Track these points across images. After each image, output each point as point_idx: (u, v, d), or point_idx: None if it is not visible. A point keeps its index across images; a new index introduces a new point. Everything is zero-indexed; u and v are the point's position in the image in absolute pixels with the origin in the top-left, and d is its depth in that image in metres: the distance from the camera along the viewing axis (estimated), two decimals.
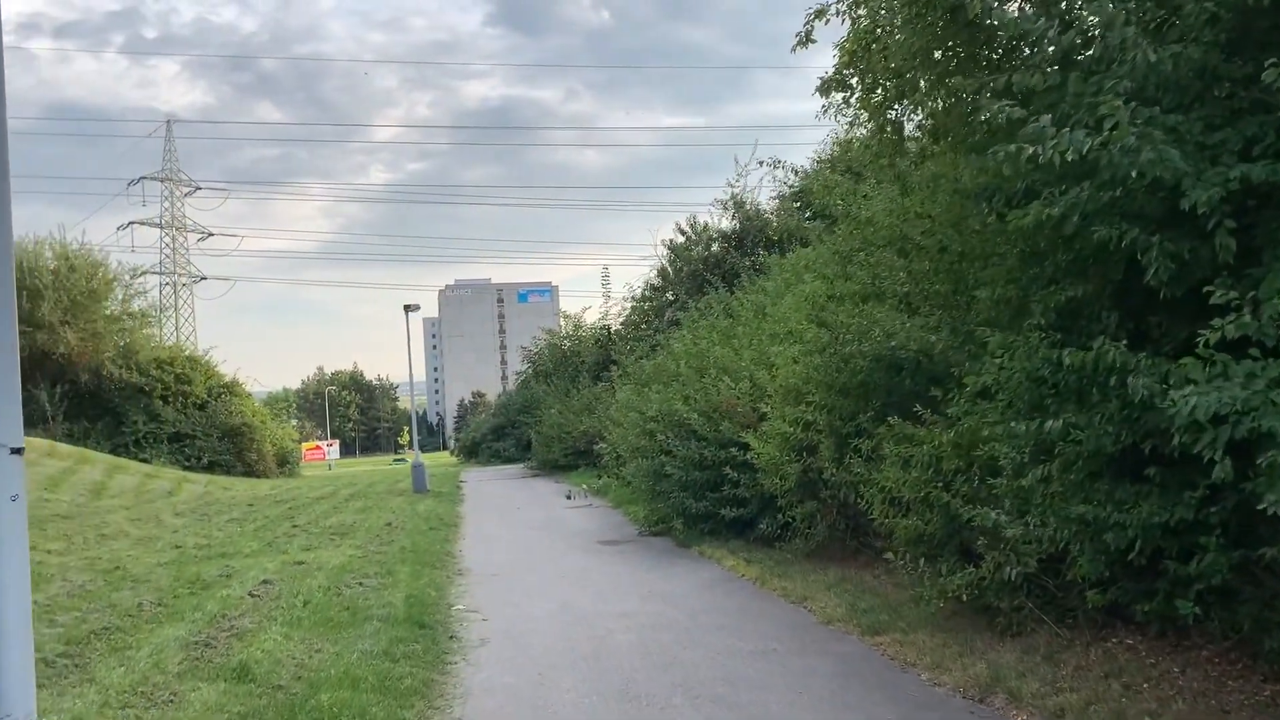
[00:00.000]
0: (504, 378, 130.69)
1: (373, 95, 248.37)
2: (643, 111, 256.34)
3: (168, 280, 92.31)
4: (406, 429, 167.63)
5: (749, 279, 20.72)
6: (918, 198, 8.06)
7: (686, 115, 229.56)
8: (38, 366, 36.63)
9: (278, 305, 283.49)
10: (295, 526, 17.67)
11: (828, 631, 8.15)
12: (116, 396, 38.15)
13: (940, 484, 7.49)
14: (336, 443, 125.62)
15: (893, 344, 8.34)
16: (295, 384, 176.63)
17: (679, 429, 13.46)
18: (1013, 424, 5.67)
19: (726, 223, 29.88)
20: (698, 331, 16.20)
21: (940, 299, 7.49)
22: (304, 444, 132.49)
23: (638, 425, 15.31)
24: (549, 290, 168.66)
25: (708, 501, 12.95)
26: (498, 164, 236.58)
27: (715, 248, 29.95)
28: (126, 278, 41.17)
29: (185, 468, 37.00)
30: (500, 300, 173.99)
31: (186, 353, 41.93)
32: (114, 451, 36.23)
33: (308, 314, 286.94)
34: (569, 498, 20.41)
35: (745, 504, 12.37)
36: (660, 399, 14.15)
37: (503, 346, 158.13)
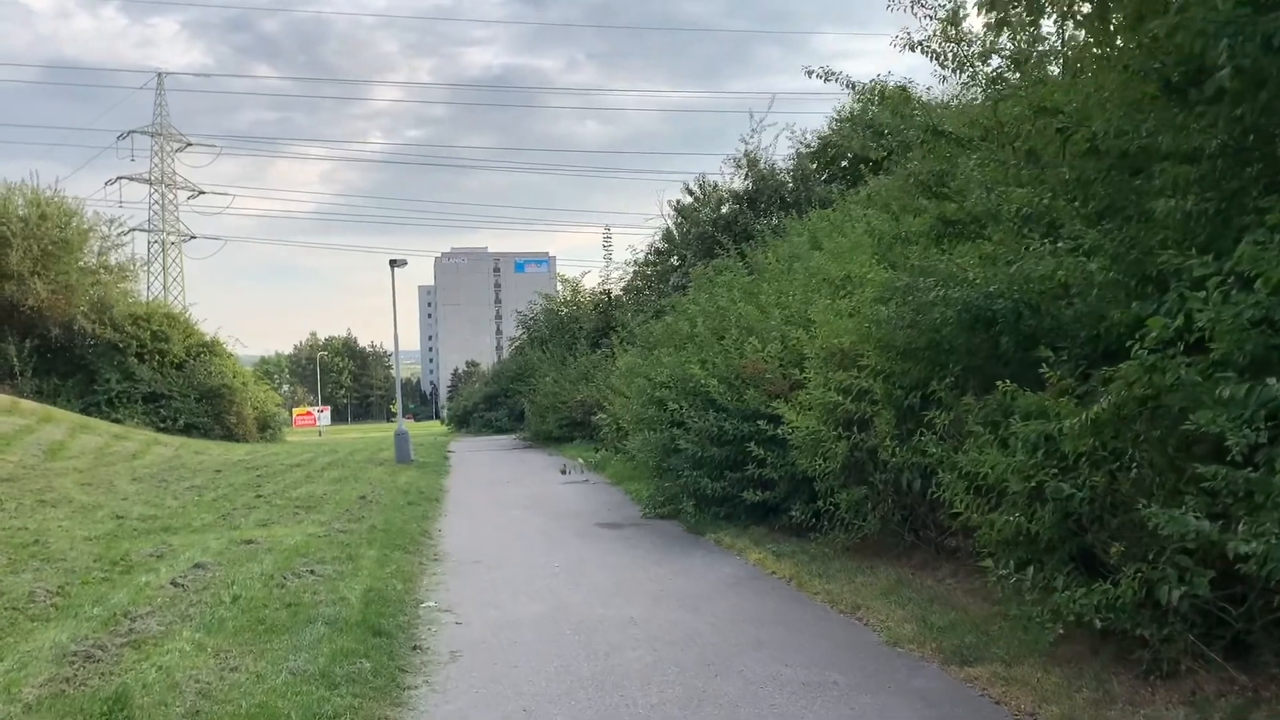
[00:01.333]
0: (499, 348, 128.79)
1: (373, 60, 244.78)
2: (644, 83, 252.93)
3: (156, 238, 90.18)
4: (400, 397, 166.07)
5: (766, 240, 18.82)
6: (1061, 89, 6.17)
7: (688, 88, 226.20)
8: (6, 319, 34.72)
9: (273, 269, 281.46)
10: (259, 497, 15.86)
11: (898, 656, 6.33)
12: (89, 353, 36.23)
13: (1056, 469, 5.67)
14: (328, 409, 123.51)
15: (991, 289, 6.46)
16: (288, 349, 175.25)
17: (694, 398, 11.63)
18: (1229, 387, 3.83)
19: (739, 182, 27.96)
20: (714, 289, 14.32)
21: (1087, 219, 5.61)
22: (295, 409, 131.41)
23: (644, 393, 13.48)
24: (547, 260, 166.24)
25: (726, 482, 11.14)
26: (498, 132, 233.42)
27: (726, 209, 28.02)
28: (104, 229, 39.21)
29: (160, 429, 35.13)
30: (497, 270, 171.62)
31: (165, 309, 39.84)
32: (85, 410, 34.36)
33: (303, 279, 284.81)
34: (564, 472, 18.60)
35: (772, 486, 10.56)
36: (673, 363, 12.30)
37: (498, 316, 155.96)
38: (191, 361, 38.12)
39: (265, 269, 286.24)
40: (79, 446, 23.94)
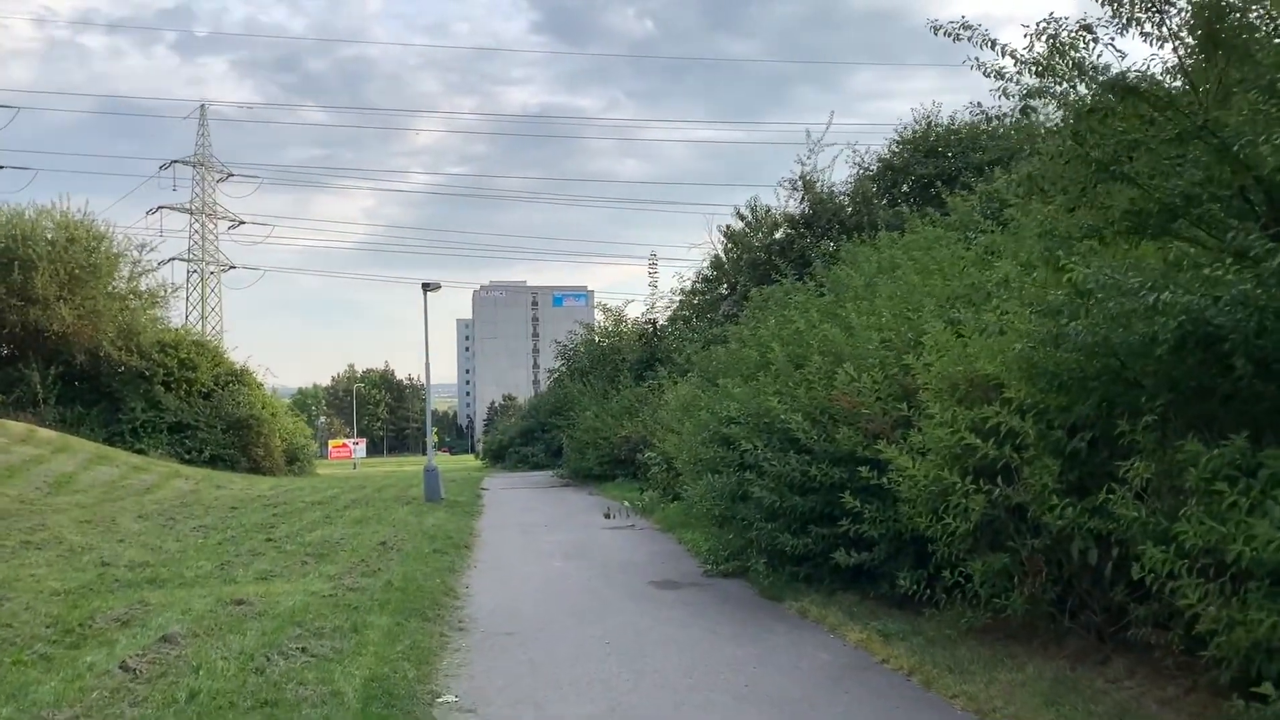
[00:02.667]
0: (535, 382, 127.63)
1: (415, 98, 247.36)
2: (682, 122, 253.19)
3: (195, 267, 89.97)
4: (436, 430, 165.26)
5: (839, 257, 16.96)
6: None
7: (726, 126, 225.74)
8: (30, 344, 33.66)
9: (314, 302, 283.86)
10: (269, 541, 14.17)
11: None
12: (115, 380, 35.00)
13: None
14: (364, 441, 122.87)
15: (1233, 292, 4.61)
16: (326, 381, 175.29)
17: (770, 436, 9.78)
18: None
19: (794, 205, 26.19)
20: (784, 311, 12.48)
21: None
22: (331, 442, 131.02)
23: (706, 430, 11.65)
24: (585, 295, 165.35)
25: (810, 538, 9.24)
26: (537, 168, 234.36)
27: (781, 233, 26.26)
28: (135, 253, 38.13)
29: (184, 461, 33.77)
30: (535, 303, 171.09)
31: (193, 337, 38.62)
32: (108, 440, 33.08)
33: (343, 312, 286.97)
34: (608, 516, 16.77)
35: (869, 546, 8.66)
36: (743, 395, 10.45)
37: (536, 350, 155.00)
38: (219, 391, 36.83)
39: (306, 302, 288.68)
40: (90, 479, 22.49)
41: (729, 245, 28.53)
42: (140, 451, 32.71)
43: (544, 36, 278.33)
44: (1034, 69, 6.34)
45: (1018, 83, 6.60)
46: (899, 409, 8.32)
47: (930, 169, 25.91)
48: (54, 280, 32.76)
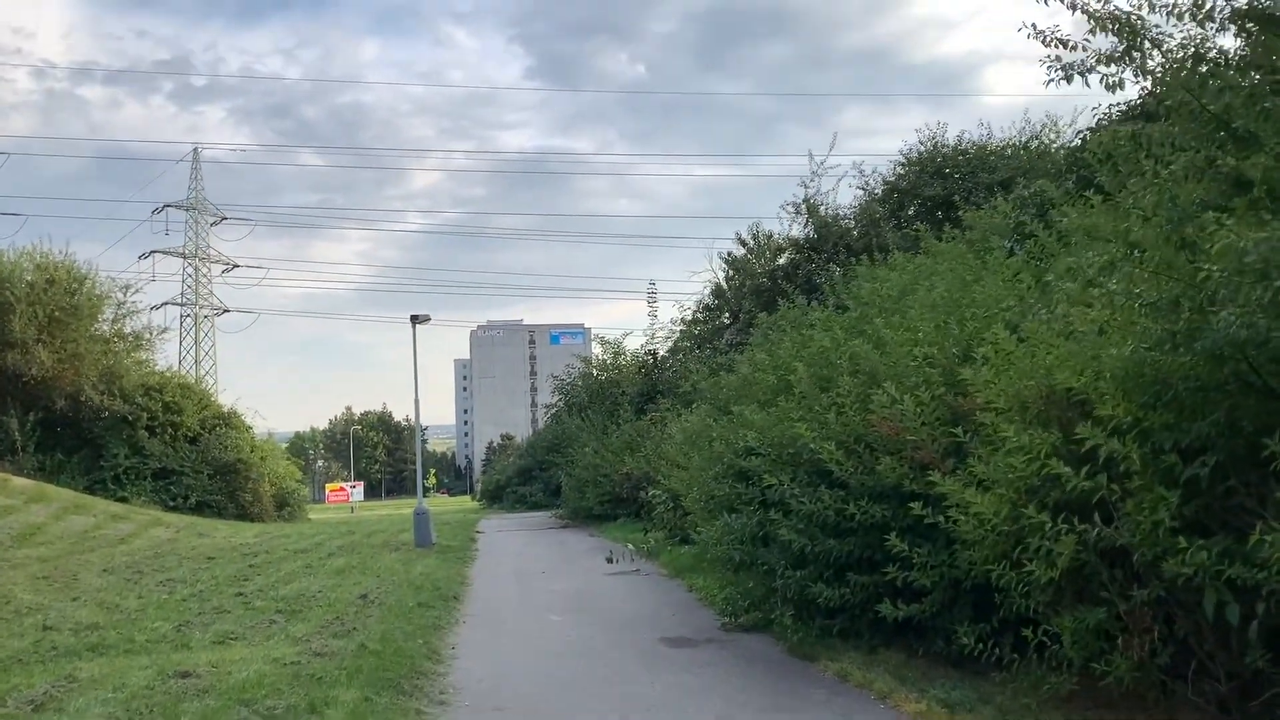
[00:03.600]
0: (534, 421, 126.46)
1: (410, 144, 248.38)
2: (674, 161, 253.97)
3: (188, 311, 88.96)
4: (433, 471, 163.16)
5: (857, 273, 15.77)
6: None
7: (718, 166, 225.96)
8: (8, 390, 32.26)
9: (311, 345, 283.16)
10: (239, 596, 12.87)
11: None
12: (96, 426, 33.59)
13: None
14: (361, 485, 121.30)
15: None
16: (324, 424, 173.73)
17: (797, 469, 8.55)
18: None
19: (798, 230, 25.11)
20: (803, 331, 11.28)
21: None
22: (328, 485, 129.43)
23: (719, 463, 10.42)
24: (582, 332, 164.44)
25: (849, 588, 7.98)
26: (532, 210, 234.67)
27: (784, 258, 25.17)
28: (119, 295, 36.93)
29: (169, 508, 32.33)
30: (532, 342, 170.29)
31: (179, 379, 37.31)
32: (90, 488, 31.68)
33: (341, 355, 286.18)
34: (610, 560, 15.45)
35: (920, 595, 7.41)
36: (764, 423, 9.20)
37: (534, 389, 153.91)
38: (206, 435, 35.44)
39: (304, 346, 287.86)
40: (60, 530, 21.13)
41: (730, 273, 27.44)
42: (122, 499, 31.33)
43: (537, 81, 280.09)
44: (1113, 26, 5.19)
45: (1085, 48, 5.45)
46: (951, 433, 7.09)
47: (938, 189, 24.89)
48: (32, 323, 31.53)
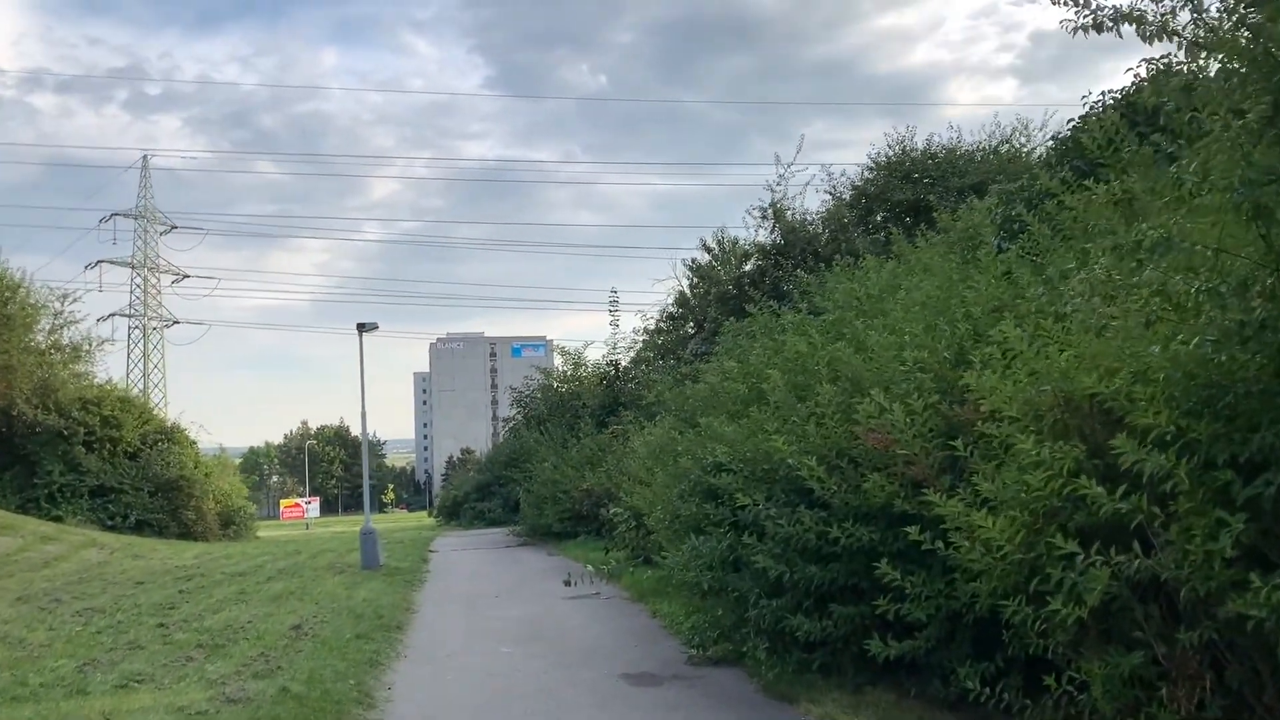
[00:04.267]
0: (495, 435, 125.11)
1: (371, 153, 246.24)
2: (638, 173, 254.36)
3: (136, 323, 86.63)
4: (391, 486, 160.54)
5: (807, 293, 15.00)
6: None
7: (681, 176, 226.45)
8: None
9: (267, 358, 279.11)
10: (160, 627, 11.78)
11: None
12: (30, 442, 32.03)
13: None
14: (317, 500, 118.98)
15: None
16: (279, 439, 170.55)
17: (774, 487, 7.69)
18: None
19: (764, 235, 24.37)
20: (775, 335, 10.43)
21: None
22: (283, 501, 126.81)
23: (685, 480, 9.53)
24: (543, 345, 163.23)
25: (832, 620, 7.11)
26: (493, 221, 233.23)
27: (751, 265, 24.41)
28: (56, 305, 35.33)
29: (107, 527, 30.85)
30: (493, 354, 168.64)
31: (118, 393, 35.72)
32: (21, 507, 30.15)
33: (297, 368, 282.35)
34: (568, 583, 14.46)
35: (913, 630, 6.55)
36: (738, 435, 8.31)
37: (494, 403, 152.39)
38: (147, 451, 33.98)
39: (259, 358, 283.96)
40: None
41: (695, 281, 26.64)
42: (57, 519, 29.82)
43: (498, 91, 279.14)
44: None
45: None
46: (950, 446, 6.25)
47: (907, 194, 24.28)
48: None
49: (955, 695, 6.43)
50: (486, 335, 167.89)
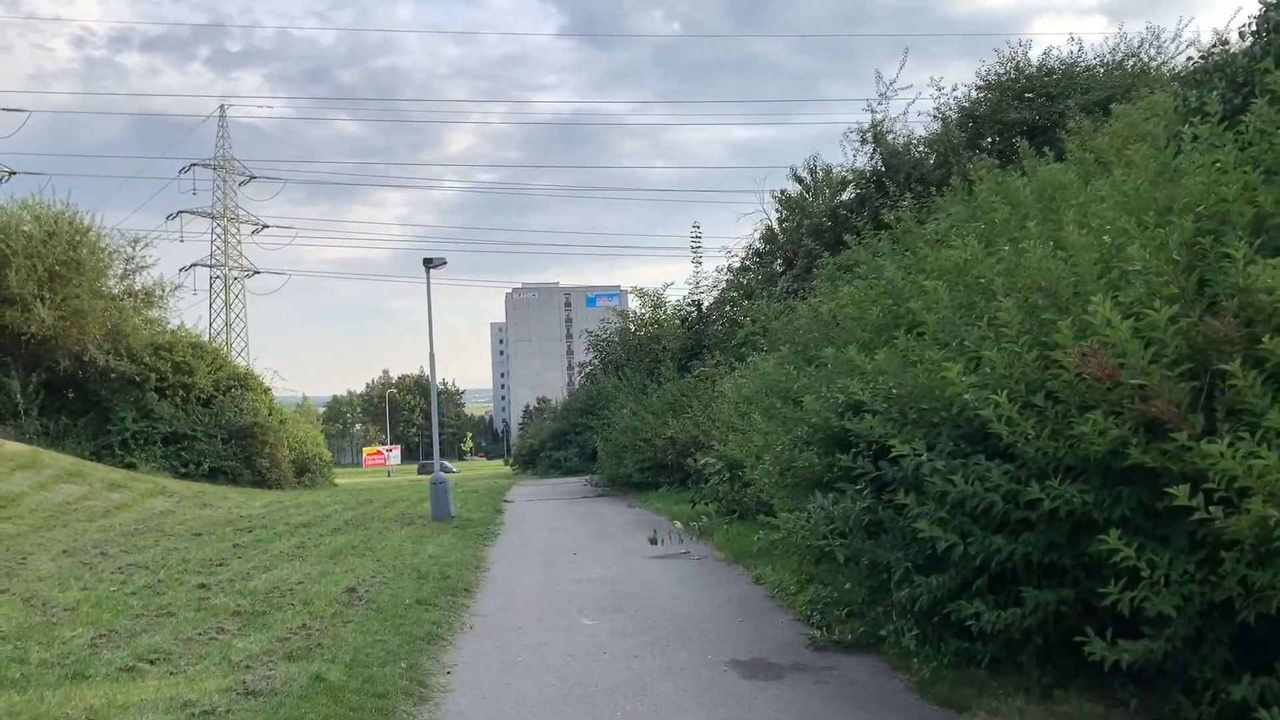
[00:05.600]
0: (570, 384, 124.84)
1: (447, 106, 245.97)
2: (714, 124, 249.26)
3: (218, 273, 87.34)
4: (470, 435, 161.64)
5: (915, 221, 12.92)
6: None
7: (756, 126, 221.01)
8: (8, 349, 30.29)
9: (349, 310, 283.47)
10: (202, 588, 10.54)
11: None
12: (103, 388, 31.56)
13: None
14: (398, 448, 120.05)
15: None
16: (361, 389, 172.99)
17: (939, 431, 5.89)
18: None
19: (862, 160, 22.18)
20: (910, 251, 8.52)
21: None
22: (365, 449, 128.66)
23: (803, 425, 7.77)
24: (618, 294, 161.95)
25: (1027, 609, 5.33)
26: (568, 171, 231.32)
27: (847, 195, 22.32)
28: (129, 249, 34.67)
29: (180, 475, 30.34)
30: (568, 304, 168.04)
31: (191, 338, 35.01)
32: (95, 454, 29.72)
33: (378, 319, 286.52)
34: (655, 542, 12.88)
35: (1158, 624, 4.75)
36: (891, 364, 6.44)
37: (570, 352, 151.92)
38: (220, 397, 33.38)
39: (342, 309, 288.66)
40: (37, 501, 18.99)
41: (785, 214, 24.62)
42: (130, 466, 29.37)
43: (571, 41, 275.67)
44: None
45: None
46: (1223, 370, 4.39)
47: (1023, 113, 21.84)
48: (31, 278, 29.44)
49: (1208, 715, 4.65)
50: (561, 285, 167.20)
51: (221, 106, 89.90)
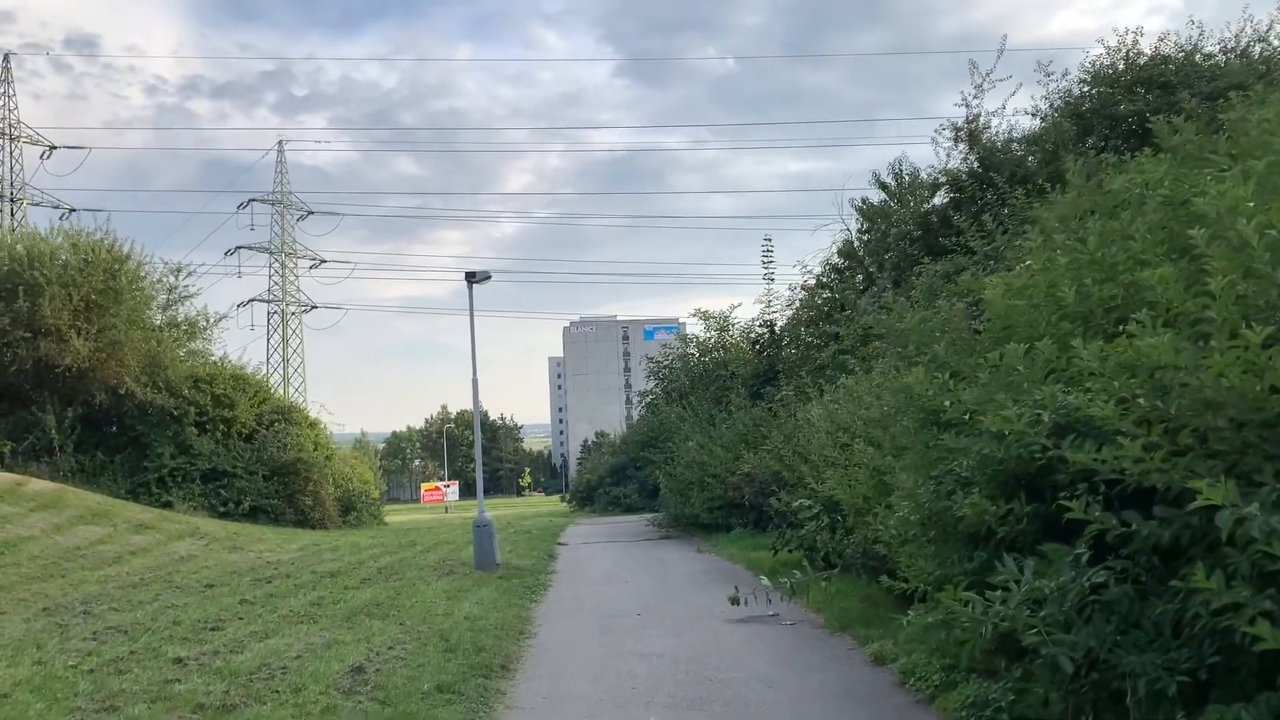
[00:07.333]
0: (628, 418, 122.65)
1: (506, 146, 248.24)
2: (770, 157, 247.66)
3: (275, 308, 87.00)
4: (528, 470, 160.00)
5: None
6: None
7: (813, 159, 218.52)
8: (43, 382, 28.93)
9: (407, 346, 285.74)
10: (177, 663, 8.49)
11: None
12: (141, 423, 30.07)
13: None
14: (456, 484, 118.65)
15: None
16: (419, 424, 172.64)
17: (1249, 460, 3.56)
18: None
19: (956, 161, 19.79)
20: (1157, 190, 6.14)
21: None
22: (424, 484, 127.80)
23: (965, 460, 5.44)
24: (676, 326, 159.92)
25: None
26: (625, 207, 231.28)
27: (942, 197, 19.92)
28: (171, 279, 33.38)
29: (219, 514, 28.61)
30: (625, 337, 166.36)
31: (232, 370, 33.41)
32: (132, 491, 28.16)
33: (438, 356, 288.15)
34: (736, 602, 10.49)
35: None
36: (1188, 354, 4.09)
37: (628, 385, 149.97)
38: (263, 431, 31.73)
39: (402, 346, 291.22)
40: (45, 546, 17.21)
41: (864, 226, 22.28)
42: (167, 505, 27.70)
43: (626, 80, 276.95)
44: None
45: None
46: None
47: (1136, 106, 19.31)
48: (65, 307, 28.14)
49: None
50: (618, 318, 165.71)
51: (280, 142, 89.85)
